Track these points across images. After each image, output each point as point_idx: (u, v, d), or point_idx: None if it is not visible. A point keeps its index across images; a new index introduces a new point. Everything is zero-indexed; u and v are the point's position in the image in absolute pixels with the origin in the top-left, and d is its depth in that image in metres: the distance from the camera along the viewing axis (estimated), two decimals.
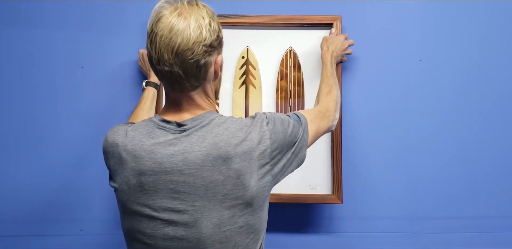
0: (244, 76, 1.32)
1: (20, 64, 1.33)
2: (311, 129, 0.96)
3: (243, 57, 1.32)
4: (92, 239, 1.34)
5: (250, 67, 1.32)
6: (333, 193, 1.30)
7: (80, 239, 1.34)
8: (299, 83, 1.33)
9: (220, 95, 1.32)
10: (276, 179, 0.89)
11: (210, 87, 0.90)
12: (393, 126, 1.34)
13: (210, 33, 0.83)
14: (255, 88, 1.32)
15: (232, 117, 0.89)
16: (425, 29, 1.34)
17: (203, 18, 0.82)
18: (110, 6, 1.32)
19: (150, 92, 1.22)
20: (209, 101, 0.90)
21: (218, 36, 0.85)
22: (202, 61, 0.83)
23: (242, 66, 1.32)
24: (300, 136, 0.92)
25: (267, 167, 0.85)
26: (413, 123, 1.34)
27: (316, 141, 1.04)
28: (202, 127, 0.84)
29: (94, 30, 1.32)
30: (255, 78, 1.32)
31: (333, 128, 1.08)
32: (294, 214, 1.34)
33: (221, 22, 1.25)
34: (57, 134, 1.33)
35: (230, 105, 1.32)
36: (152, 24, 0.82)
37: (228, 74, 1.32)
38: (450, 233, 1.35)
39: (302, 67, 1.33)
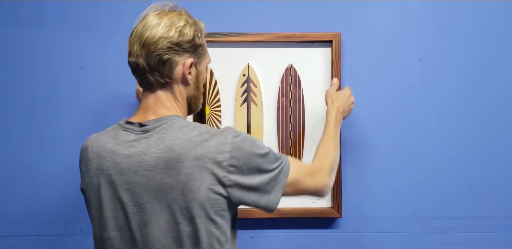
0: (246, 94, 1.33)
1: (20, 64, 1.32)
2: (291, 178, 0.90)
3: (244, 75, 1.33)
4: (92, 239, 1.33)
5: (251, 84, 1.33)
6: (332, 207, 1.32)
7: (80, 239, 1.34)
8: (300, 100, 1.33)
9: (222, 113, 1.33)
10: (236, 199, 0.84)
11: (179, 90, 0.90)
12: (393, 126, 1.34)
13: (179, 33, 0.86)
14: (257, 105, 1.33)
15: (198, 123, 0.88)
16: (425, 29, 1.34)
17: (178, 21, 0.87)
18: (110, 6, 1.32)
19: None
20: (177, 104, 0.91)
21: (191, 40, 0.88)
22: (165, 57, 0.86)
23: (243, 84, 1.33)
24: (275, 174, 0.87)
25: (224, 180, 0.82)
26: (413, 123, 1.34)
27: None
28: (162, 129, 0.85)
29: (94, 30, 1.32)
30: (256, 96, 1.33)
31: (323, 194, 0.98)
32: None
33: (222, 41, 1.30)
34: (57, 133, 1.33)
35: (232, 123, 1.33)
36: (135, 24, 0.90)
37: (230, 92, 1.33)
38: (450, 233, 1.35)
39: (302, 84, 1.33)
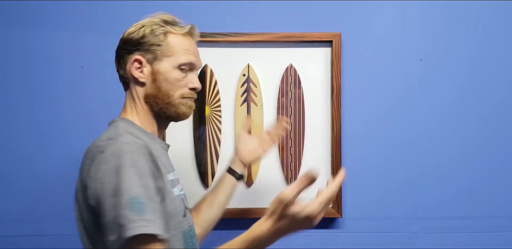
0: (246, 94, 1.33)
1: (20, 64, 1.32)
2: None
3: (244, 75, 1.33)
4: None
5: (251, 84, 1.33)
6: (332, 207, 1.31)
7: (80, 239, 1.34)
8: (300, 100, 1.33)
9: (222, 113, 1.33)
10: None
11: (135, 90, 0.90)
12: (393, 126, 1.34)
13: (131, 32, 0.88)
14: (257, 105, 1.33)
15: (125, 131, 0.83)
16: (425, 29, 1.34)
17: (141, 23, 0.90)
18: (110, 6, 1.32)
19: (225, 181, 1.08)
20: (134, 105, 0.90)
21: (143, 37, 0.87)
22: (120, 55, 0.90)
23: (243, 84, 1.33)
24: (118, 226, 0.68)
25: (88, 193, 0.74)
26: (413, 123, 1.34)
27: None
28: (105, 131, 0.85)
29: (94, 30, 1.32)
30: (256, 96, 1.33)
31: None
32: None
33: (222, 41, 1.29)
34: (57, 134, 1.33)
35: (232, 123, 1.33)
36: None
37: (230, 92, 1.33)
38: (450, 233, 1.35)
39: (302, 84, 1.33)
